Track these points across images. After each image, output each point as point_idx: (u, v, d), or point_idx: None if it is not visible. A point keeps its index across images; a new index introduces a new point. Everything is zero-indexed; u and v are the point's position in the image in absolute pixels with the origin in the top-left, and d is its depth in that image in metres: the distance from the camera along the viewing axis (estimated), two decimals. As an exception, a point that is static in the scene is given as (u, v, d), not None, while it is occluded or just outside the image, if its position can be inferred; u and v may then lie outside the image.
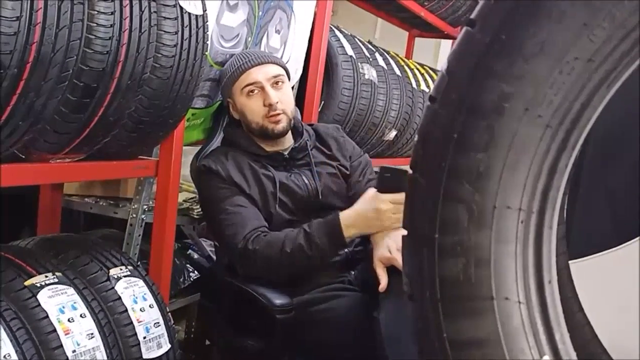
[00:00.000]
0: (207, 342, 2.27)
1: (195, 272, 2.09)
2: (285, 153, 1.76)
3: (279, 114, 1.71)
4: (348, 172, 1.81)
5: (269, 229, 1.63)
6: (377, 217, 1.49)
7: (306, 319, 1.53)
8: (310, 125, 1.92)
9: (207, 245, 2.20)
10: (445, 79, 0.62)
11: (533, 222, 0.60)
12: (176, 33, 1.33)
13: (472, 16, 0.61)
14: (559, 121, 0.58)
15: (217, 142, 1.90)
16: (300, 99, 2.29)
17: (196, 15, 1.39)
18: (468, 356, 0.61)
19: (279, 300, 1.52)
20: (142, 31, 1.23)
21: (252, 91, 1.72)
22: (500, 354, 0.59)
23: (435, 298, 0.62)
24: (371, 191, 1.54)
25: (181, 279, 2.04)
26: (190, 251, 2.18)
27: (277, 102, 1.70)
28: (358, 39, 2.66)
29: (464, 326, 0.61)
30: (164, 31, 1.31)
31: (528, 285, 0.60)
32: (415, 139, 0.65)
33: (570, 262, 0.85)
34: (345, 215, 1.53)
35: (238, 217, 1.62)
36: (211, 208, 1.68)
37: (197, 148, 1.92)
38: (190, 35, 1.38)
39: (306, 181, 1.73)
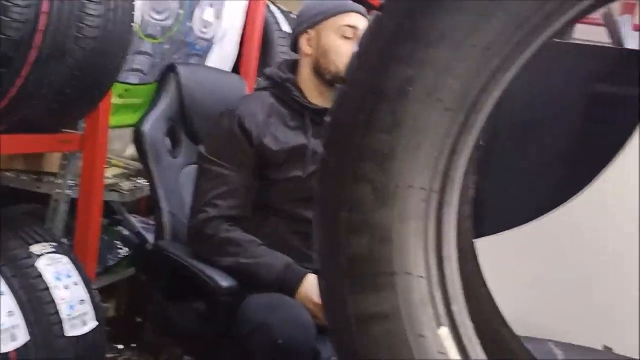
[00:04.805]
0: (139, 320, 2.26)
1: (125, 248, 2.06)
2: None
3: None
4: None
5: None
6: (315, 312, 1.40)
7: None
8: None
9: (138, 222, 2.16)
10: (355, 61, 0.64)
11: (434, 200, 0.63)
12: (101, 3, 1.29)
13: (382, 1, 0.63)
14: (459, 105, 0.61)
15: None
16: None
17: (122, -14, 1.36)
18: (372, 330, 0.64)
19: (225, 282, 1.42)
20: None
21: (348, 36, 1.60)
22: (401, 327, 0.62)
23: (342, 274, 0.65)
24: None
25: (110, 256, 2.01)
26: (120, 227, 2.14)
27: None
28: (295, 15, 2.65)
29: (369, 301, 0.64)
30: (89, 0, 1.27)
31: (428, 261, 0.63)
32: (327, 120, 0.66)
33: (475, 239, 0.89)
34: (305, 286, 1.43)
35: (216, 190, 1.50)
36: (203, 162, 1.57)
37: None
38: (116, 6, 1.35)
39: None
